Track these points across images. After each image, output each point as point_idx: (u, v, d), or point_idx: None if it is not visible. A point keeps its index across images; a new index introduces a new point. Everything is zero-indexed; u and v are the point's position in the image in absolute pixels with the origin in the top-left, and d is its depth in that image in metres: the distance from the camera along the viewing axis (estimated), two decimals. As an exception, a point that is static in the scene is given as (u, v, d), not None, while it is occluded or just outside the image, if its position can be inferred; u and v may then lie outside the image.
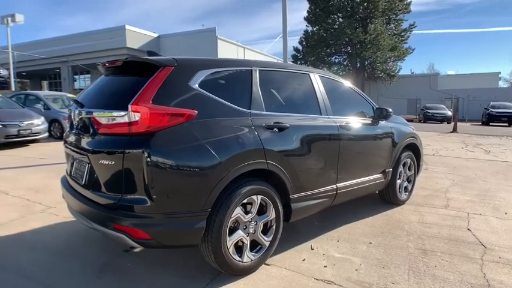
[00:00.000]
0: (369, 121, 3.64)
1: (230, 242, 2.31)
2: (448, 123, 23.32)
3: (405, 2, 28.81)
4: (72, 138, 2.56)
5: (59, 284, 2.36)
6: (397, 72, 31.17)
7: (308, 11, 28.55)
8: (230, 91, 2.48)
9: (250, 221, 2.46)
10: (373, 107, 3.78)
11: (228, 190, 2.26)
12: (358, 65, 29.53)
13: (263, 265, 2.61)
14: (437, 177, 5.92)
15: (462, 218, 3.78)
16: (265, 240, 2.57)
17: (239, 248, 2.42)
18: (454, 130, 15.57)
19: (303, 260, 2.73)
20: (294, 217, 2.80)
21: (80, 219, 2.35)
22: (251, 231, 2.47)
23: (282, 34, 9.64)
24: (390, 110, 3.67)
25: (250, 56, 40.09)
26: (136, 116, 2.00)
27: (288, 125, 2.66)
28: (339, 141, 3.12)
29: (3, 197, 4.39)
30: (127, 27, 29.95)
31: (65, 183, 2.71)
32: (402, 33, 30.54)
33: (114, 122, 2.10)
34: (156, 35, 33.91)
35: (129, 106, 2.02)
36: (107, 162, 2.11)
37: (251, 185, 2.39)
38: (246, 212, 2.43)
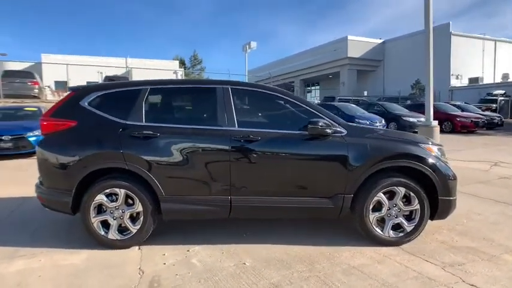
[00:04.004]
0: (299, 135, 3.15)
1: (95, 219, 3.14)
2: None
3: None
4: None
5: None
6: None
7: None
8: (113, 106, 3.26)
9: (117, 208, 3.15)
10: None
11: (91, 179, 3.11)
12: None
13: (136, 247, 3.21)
14: None
15: (426, 283, 2.55)
16: (132, 228, 3.16)
17: (108, 226, 3.18)
18: None
19: (163, 255, 3.08)
20: (167, 216, 3.19)
21: None
22: (117, 216, 3.16)
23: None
24: (321, 123, 3.02)
25: (505, 50, 32.06)
26: (41, 125, 3.28)
27: (157, 134, 3.10)
28: (229, 154, 3.08)
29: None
30: (349, 37, 31.43)
31: None
32: None
33: None
34: (380, 41, 33.51)
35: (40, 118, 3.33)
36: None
37: (111, 180, 3.11)
38: (112, 200, 3.15)
